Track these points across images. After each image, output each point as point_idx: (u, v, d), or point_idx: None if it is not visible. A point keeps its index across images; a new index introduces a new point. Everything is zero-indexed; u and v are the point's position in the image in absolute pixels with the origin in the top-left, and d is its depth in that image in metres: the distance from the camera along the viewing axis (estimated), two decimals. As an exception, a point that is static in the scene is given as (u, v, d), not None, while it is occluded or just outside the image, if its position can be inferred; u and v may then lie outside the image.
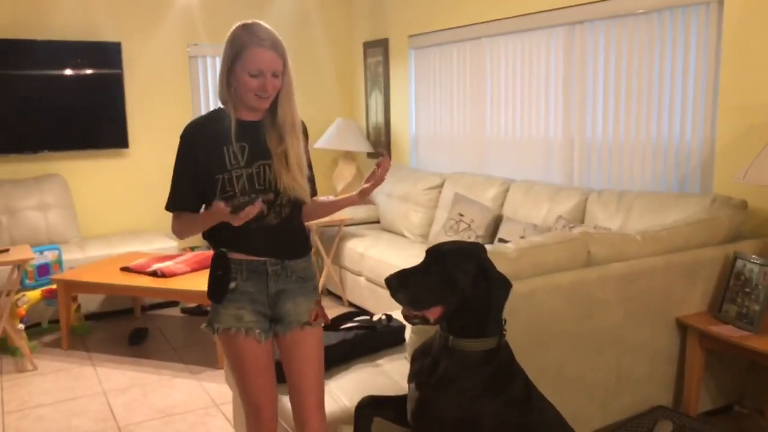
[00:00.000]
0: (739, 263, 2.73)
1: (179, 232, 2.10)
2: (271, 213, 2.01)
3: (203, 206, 2.04)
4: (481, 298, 1.87)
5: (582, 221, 3.74)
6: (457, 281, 1.86)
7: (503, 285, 1.92)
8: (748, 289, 2.66)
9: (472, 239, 4.27)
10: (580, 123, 4.06)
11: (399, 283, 1.89)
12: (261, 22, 1.97)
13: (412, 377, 2.03)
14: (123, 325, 4.64)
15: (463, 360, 1.89)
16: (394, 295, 1.90)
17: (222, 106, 2.04)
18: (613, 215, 3.53)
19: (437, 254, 1.92)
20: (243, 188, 1.98)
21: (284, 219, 2.03)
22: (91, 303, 4.72)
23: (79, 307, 4.53)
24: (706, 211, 3.05)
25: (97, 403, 3.45)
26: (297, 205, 2.07)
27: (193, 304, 4.84)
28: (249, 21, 1.97)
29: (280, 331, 2.07)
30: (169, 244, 5.07)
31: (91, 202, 5.41)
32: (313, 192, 2.15)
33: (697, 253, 2.80)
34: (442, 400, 1.87)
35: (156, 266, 4.16)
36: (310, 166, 2.11)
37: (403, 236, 5.09)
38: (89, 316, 4.69)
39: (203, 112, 5.78)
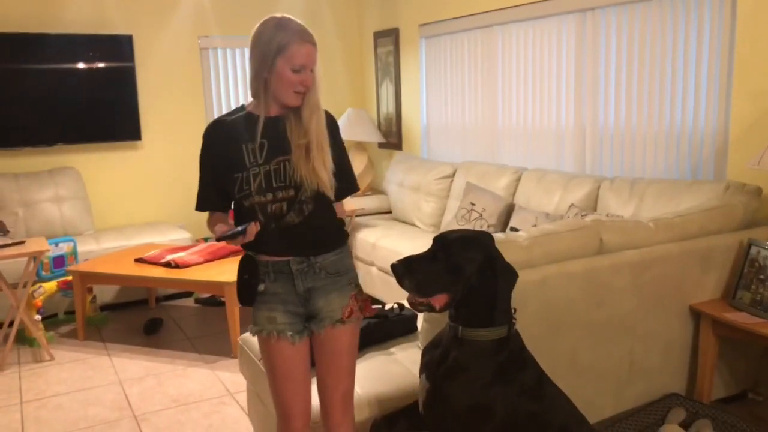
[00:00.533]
0: (754, 250, 2.71)
1: (212, 231, 2.11)
2: (291, 212, 1.96)
3: (231, 198, 2.03)
4: (487, 287, 1.87)
5: (594, 209, 3.72)
6: (463, 269, 1.86)
7: (509, 275, 1.92)
8: (762, 276, 2.64)
9: (484, 228, 4.26)
10: (593, 111, 4.03)
11: (405, 270, 1.88)
12: (292, 17, 1.96)
13: (422, 369, 2.04)
14: (138, 315, 4.69)
15: (473, 349, 1.90)
16: (399, 281, 1.90)
17: (243, 104, 2.04)
18: (626, 203, 3.51)
19: (444, 242, 1.92)
20: (259, 186, 1.95)
21: (307, 216, 1.97)
22: (106, 294, 4.77)
23: (94, 298, 4.58)
24: (719, 198, 3.03)
25: (113, 392, 3.50)
26: (323, 201, 1.99)
27: (206, 295, 4.87)
28: (280, 15, 1.95)
29: (314, 328, 2.03)
30: (183, 235, 5.10)
31: (105, 194, 5.45)
32: (349, 189, 2.09)
33: (710, 240, 2.78)
34: (453, 388, 1.88)
35: (169, 257, 4.20)
36: (342, 162, 2.05)
37: (415, 226, 5.09)
38: (104, 307, 4.74)
39: (215, 103, 5.81)
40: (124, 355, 4.01)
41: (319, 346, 2.06)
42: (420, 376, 2.05)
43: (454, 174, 4.94)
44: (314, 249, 2.00)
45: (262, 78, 1.94)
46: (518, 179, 4.37)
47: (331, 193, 1.98)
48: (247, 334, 2.53)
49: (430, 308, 1.91)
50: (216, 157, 2.00)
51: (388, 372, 2.42)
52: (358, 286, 2.08)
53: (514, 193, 4.35)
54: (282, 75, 1.91)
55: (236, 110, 2.05)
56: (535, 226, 3.84)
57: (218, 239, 1.92)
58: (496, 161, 4.83)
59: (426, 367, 2.01)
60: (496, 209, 4.25)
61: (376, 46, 6.14)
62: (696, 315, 2.79)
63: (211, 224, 2.10)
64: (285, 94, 1.94)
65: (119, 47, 5.33)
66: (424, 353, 2.10)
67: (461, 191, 4.67)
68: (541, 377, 1.96)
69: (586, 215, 3.58)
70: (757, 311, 2.62)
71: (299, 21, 1.96)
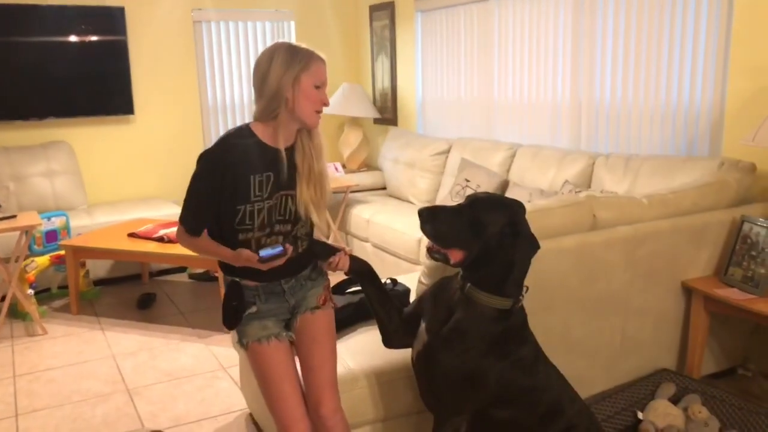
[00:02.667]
0: (746, 226, 2.71)
1: (190, 249, 2.06)
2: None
3: (221, 226, 2.00)
4: (505, 253, 1.88)
5: (589, 186, 3.72)
6: (485, 228, 1.87)
7: (531, 243, 1.92)
8: (754, 253, 2.64)
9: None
10: (589, 86, 4.00)
11: (429, 215, 1.92)
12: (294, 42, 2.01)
13: (424, 318, 2.05)
14: (131, 290, 4.68)
15: (475, 314, 1.91)
16: (422, 226, 1.92)
17: (248, 125, 1.98)
18: (621, 179, 3.50)
19: (474, 199, 1.94)
20: (262, 222, 1.96)
21: (301, 252, 2.05)
22: (99, 269, 4.75)
23: (87, 272, 4.57)
24: (714, 174, 3.02)
25: (106, 366, 3.50)
26: (312, 234, 2.11)
27: (200, 270, 4.87)
28: (289, 42, 2.00)
29: (292, 321, 2.09)
30: (176, 210, 5.08)
31: (98, 169, 5.41)
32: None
33: (704, 216, 2.78)
34: (449, 353, 1.90)
35: (163, 232, 4.18)
36: None
37: (410, 202, 5.08)
38: (98, 282, 4.73)
39: (208, 77, 5.75)
40: (117, 329, 4.01)
41: (299, 334, 2.10)
42: (421, 322, 2.05)
43: (449, 150, 4.92)
44: (302, 268, 2.08)
45: (282, 98, 1.92)
46: (513, 155, 4.35)
47: (326, 227, 2.05)
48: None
49: (445, 259, 1.93)
50: (221, 186, 1.92)
51: (379, 346, 2.40)
52: (327, 278, 2.18)
53: (508, 170, 4.33)
54: (307, 91, 1.93)
55: (242, 133, 1.97)
56: (529, 202, 3.84)
57: (262, 261, 1.88)
58: (491, 136, 4.81)
59: (428, 321, 2.02)
60: (490, 185, 4.24)
61: (371, 20, 6.07)
62: (688, 291, 2.80)
63: (192, 245, 2.02)
64: (308, 112, 1.95)
65: (111, 19, 5.25)
66: (429, 293, 2.11)
67: (456, 167, 4.66)
68: (538, 355, 1.97)
69: (580, 191, 3.58)
70: (748, 287, 2.63)
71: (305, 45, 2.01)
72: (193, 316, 4.19)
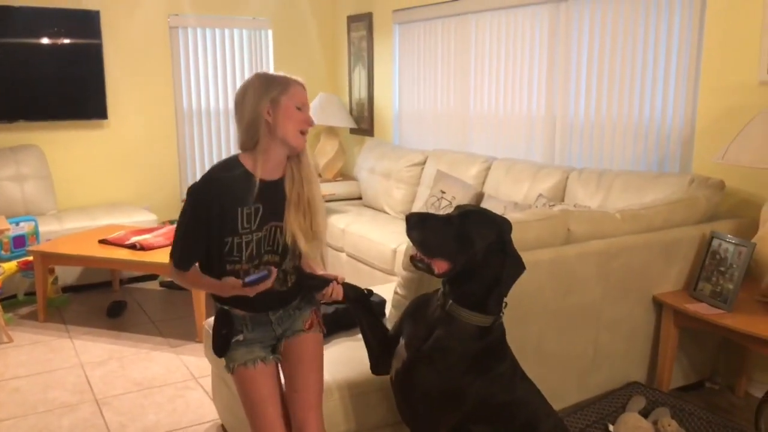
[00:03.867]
0: (715, 242, 2.77)
1: (181, 283, 2.10)
2: (276, 280, 1.97)
3: (209, 257, 2.01)
4: (491, 270, 1.87)
5: (562, 199, 3.76)
6: (473, 242, 1.85)
7: (518, 264, 1.92)
8: (723, 268, 2.70)
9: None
10: (563, 101, 4.07)
11: (417, 222, 1.88)
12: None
13: (404, 335, 2.04)
14: (101, 297, 4.60)
15: (456, 331, 1.90)
16: (408, 231, 1.89)
17: (236, 156, 1.99)
18: (594, 194, 3.55)
19: (464, 211, 1.93)
20: (250, 255, 1.97)
21: (290, 286, 2.05)
22: (68, 275, 4.67)
23: (56, 279, 4.48)
24: (684, 190, 3.08)
25: (74, 375, 3.43)
26: (301, 268, 2.11)
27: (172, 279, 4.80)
28: (267, 71, 2.06)
29: (278, 345, 2.11)
30: (148, 216, 5.02)
31: (69, 174, 5.32)
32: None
33: (675, 232, 2.84)
34: (429, 370, 1.89)
35: (134, 239, 4.12)
36: None
37: (385, 213, 5.09)
38: (67, 289, 4.65)
39: (183, 84, 5.70)
40: (86, 337, 3.94)
41: (285, 358, 2.11)
42: (400, 339, 2.04)
43: (425, 162, 4.94)
44: (291, 300, 2.10)
45: (261, 122, 1.93)
46: (488, 168, 4.39)
47: (317, 257, 2.11)
48: (212, 319, 2.50)
49: (429, 269, 1.90)
50: (208, 219, 1.92)
51: (356, 358, 2.41)
52: (318, 302, 2.18)
53: (483, 182, 4.37)
54: (288, 111, 1.94)
55: (231, 165, 1.98)
56: (503, 215, 3.88)
57: (246, 285, 1.88)
58: (466, 149, 4.85)
59: (408, 337, 2.01)
60: (465, 197, 4.27)
61: (349, 31, 6.09)
62: (658, 305, 2.85)
63: (182, 280, 2.04)
64: (292, 132, 1.95)
65: (86, 23, 5.19)
66: (409, 311, 2.11)
67: (431, 179, 4.68)
68: (516, 371, 1.98)
69: (553, 205, 3.62)
70: (717, 302, 2.68)
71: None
72: (164, 325, 4.13)
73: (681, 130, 3.40)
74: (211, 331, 2.21)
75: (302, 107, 1.97)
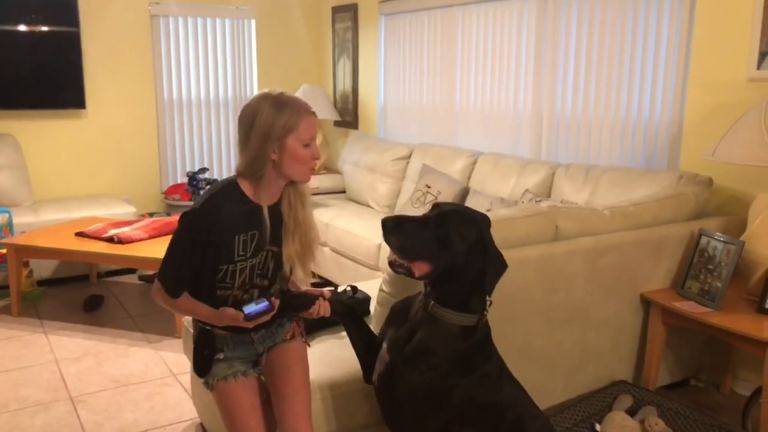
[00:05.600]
0: (704, 240, 2.74)
1: (170, 309, 2.01)
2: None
3: (199, 281, 1.94)
4: (472, 269, 1.82)
5: (549, 195, 3.72)
6: (453, 243, 1.79)
7: (500, 262, 1.86)
8: (711, 266, 2.67)
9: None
10: (550, 97, 4.02)
11: (394, 226, 1.81)
12: (284, 91, 1.89)
13: (386, 340, 1.98)
14: (78, 291, 4.49)
15: (439, 332, 1.85)
16: (386, 236, 1.82)
17: (235, 180, 1.90)
18: (580, 190, 3.51)
19: (441, 211, 1.86)
20: (243, 281, 1.92)
21: (277, 309, 1.97)
22: (44, 269, 4.55)
23: (31, 272, 4.37)
24: (673, 187, 3.06)
25: (48, 371, 3.34)
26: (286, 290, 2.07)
27: (151, 272, 4.70)
28: (269, 90, 1.88)
29: (261, 359, 2.06)
30: (127, 209, 4.91)
31: (46, 164, 5.20)
32: None
33: (663, 229, 2.80)
34: (413, 371, 1.83)
35: (112, 232, 4.02)
36: None
37: (369, 207, 5.02)
38: (42, 282, 4.53)
39: (164, 74, 5.58)
40: (61, 332, 3.84)
41: (268, 369, 2.06)
42: (382, 344, 1.99)
43: (410, 155, 4.88)
44: (275, 321, 2.04)
45: (267, 160, 1.85)
46: (474, 163, 4.34)
47: (308, 282, 2.07)
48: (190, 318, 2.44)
49: (409, 273, 1.84)
50: (205, 246, 1.85)
51: (340, 357, 2.35)
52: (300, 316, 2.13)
53: (469, 177, 4.32)
54: (295, 153, 1.86)
55: (231, 192, 1.89)
56: (489, 210, 3.83)
57: (248, 320, 1.82)
58: (452, 143, 4.79)
59: (390, 341, 1.95)
60: (451, 192, 4.22)
61: (334, 22, 6.00)
62: (646, 303, 2.82)
63: (172, 306, 1.95)
64: (300, 171, 1.89)
65: (63, 9, 5.06)
66: (391, 316, 2.05)
67: (417, 173, 4.63)
68: (502, 371, 1.93)
69: (540, 201, 3.58)
70: (704, 300, 2.65)
71: (292, 94, 1.91)
72: (142, 320, 4.04)
73: (669, 126, 3.38)
74: (192, 356, 2.14)
75: (310, 142, 1.88)
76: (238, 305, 1.87)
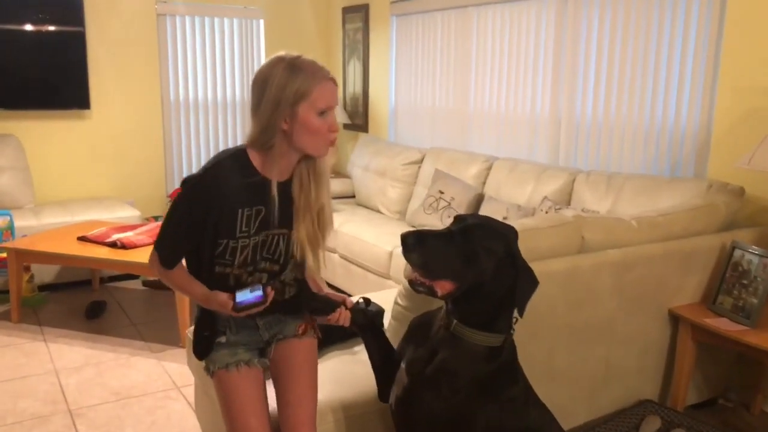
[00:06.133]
0: (737, 253, 2.59)
1: (164, 281, 1.86)
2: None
3: (199, 255, 1.79)
4: (499, 286, 1.67)
5: (569, 203, 3.58)
6: (479, 259, 1.64)
7: (531, 279, 1.71)
8: (745, 281, 2.53)
9: (452, 218, 4.08)
10: (569, 100, 3.88)
11: (416, 242, 1.65)
12: (301, 54, 1.71)
13: (404, 360, 1.84)
14: (79, 297, 4.37)
15: (463, 353, 1.70)
16: (406, 254, 1.66)
17: (244, 149, 1.74)
18: (602, 198, 3.37)
19: (466, 224, 1.70)
20: (244, 260, 1.76)
21: (287, 298, 1.84)
22: (46, 273, 4.43)
23: (32, 277, 4.25)
24: (701, 196, 2.91)
25: (47, 383, 3.21)
26: (302, 281, 1.91)
27: (155, 277, 4.58)
28: (285, 53, 1.70)
29: (268, 349, 1.91)
30: (131, 212, 4.79)
31: (49, 166, 5.08)
32: None
33: (694, 241, 2.66)
34: (434, 396, 1.70)
35: (116, 237, 3.90)
36: None
37: (379, 212, 4.89)
38: (43, 287, 4.41)
39: (171, 74, 5.46)
40: (61, 340, 3.71)
41: (276, 365, 1.91)
42: (400, 364, 1.85)
43: (422, 160, 4.75)
44: (283, 311, 1.90)
45: (277, 129, 1.68)
46: (489, 168, 4.20)
47: (320, 267, 1.87)
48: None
49: (431, 292, 1.69)
50: (205, 217, 1.70)
51: (352, 374, 2.22)
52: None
53: (484, 183, 4.18)
54: (307, 123, 1.67)
55: (238, 161, 1.73)
56: (506, 218, 3.69)
57: (237, 310, 1.68)
58: (465, 147, 4.66)
59: (409, 362, 1.82)
60: (465, 198, 4.08)
61: (344, 22, 5.87)
62: (674, 318, 2.67)
63: (166, 277, 1.82)
64: (314, 144, 1.70)
65: (68, 8, 4.94)
66: (410, 333, 1.91)
67: (429, 178, 4.49)
68: (529, 395, 1.79)
69: (560, 209, 3.44)
70: (739, 318, 2.51)
71: (310, 58, 1.72)
72: (145, 328, 3.91)
73: (696, 132, 3.23)
74: (192, 336, 2.00)
75: (327, 111, 1.69)
76: (241, 286, 1.74)
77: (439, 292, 1.68)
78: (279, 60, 1.69)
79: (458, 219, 1.76)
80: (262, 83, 1.68)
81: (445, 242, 1.67)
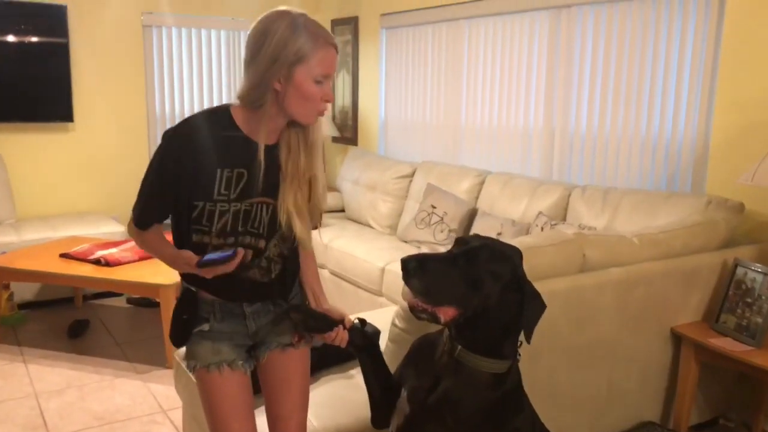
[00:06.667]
0: (740, 271, 2.54)
1: (140, 245, 1.73)
2: (255, 267, 1.66)
3: (178, 219, 1.66)
4: (505, 311, 1.59)
5: (564, 219, 3.52)
6: (485, 284, 1.56)
7: (538, 303, 1.63)
8: (749, 300, 2.47)
9: (445, 233, 4.02)
10: (563, 114, 3.83)
11: (417, 267, 1.55)
12: (305, 12, 1.57)
13: (405, 387, 1.75)
14: (61, 315, 4.24)
15: (467, 381, 1.62)
16: (407, 279, 1.56)
17: (228, 105, 1.63)
18: (599, 214, 3.31)
19: (469, 247, 1.61)
20: (223, 229, 1.61)
21: (274, 277, 1.70)
22: (26, 291, 4.30)
23: (11, 295, 4.11)
24: (700, 213, 2.86)
25: (26, 407, 3.08)
26: (292, 258, 1.74)
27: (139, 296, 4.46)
28: (288, 8, 1.56)
29: (260, 354, 1.76)
30: (116, 228, 4.67)
31: (30, 180, 4.95)
32: (315, 225, 1.77)
33: (695, 258, 2.61)
34: (437, 427, 1.61)
35: (99, 253, 3.78)
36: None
37: (370, 227, 4.81)
38: (23, 305, 4.27)
39: (156, 87, 5.36)
40: (42, 362, 3.58)
41: (267, 374, 1.79)
42: (401, 391, 1.76)
43: (413, 174, 4.68)
44: (273, 297, 1.75)
45: (270, 88, 1.55)
46: (482, 183, 4.14)
47: (310, 246, 1.72)
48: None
49: (434, 318, 1.60)
50: (179, 172, 1.58)
51: (348, 399, 2.13)
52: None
53: (477, 197, 4.12)
54: (302, 88, 1.54)
55: (219, 116, 1.62)
56: (500, 234, 3.63)
57: (201, 266, 1.55)
58: (457, 161, 4.60)
59: (411, 391, 1.73)
60: (458, 213, 4.02)
61: (333, 35, 5.80)
62: (676, 338, 2.61)
63: (142, 242, 1.69)
64: (304, 110, 1.58)
65: (52, 19, 4.83)
66: (410, 357, 1.81)
67: (420, 192, 4.42)
68: (534, 422, 1.71)
69: (556, 224, 3.38)
70: (743, 337, 2.45)
71: (315, 19, 1.59)
72: (130, 348, 3.79)
73: (693, 147, 3.19)
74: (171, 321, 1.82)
75: (324, 79, 1.56)
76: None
77: (442, 319, 1.60)
78: (282, 14, 1.56)
79: (460, 241, 1.67)
80: (260, 36, 1.55)
81: (448, 267, 1.58)
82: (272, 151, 1.62)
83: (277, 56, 1.52)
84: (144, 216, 1.65)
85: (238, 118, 1.61)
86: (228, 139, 1.59)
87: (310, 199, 1.67)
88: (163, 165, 1.59)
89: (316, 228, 1.76)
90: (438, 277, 1.57)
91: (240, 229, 1.63)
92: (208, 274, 1.57)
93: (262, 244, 1.66)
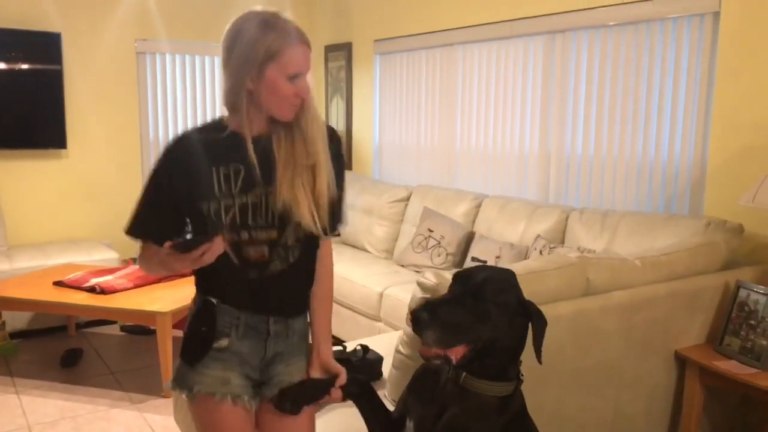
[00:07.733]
0: (743, 293, 2.54)
1: (143, 267, 1.71)
2: (275, 258, 1.62)
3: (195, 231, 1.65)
4: (513, 337, 1.59)
5: (562, 242, 3.52)
6: (493, 316, 1.55)
7: (542, 320, 1.63)
8: (753, 322, 2.47)
9: (443, 257, 4.01)
10: (559, 137, 3.86)
11: (429, 317, 1.53)
12: (278, 11, 1.58)
13: (411, 417, 1.72)
14: (54, 344, 4.17)
15: (474, 407, 1.60)
16: (420, 331, 1.53)
17: (219, 118, 1.64)
18: (597, 236, 3.32)
19: (474, 282, 1.59)
20: (233, 223, 1.58)
21: (293, 264, 1.63)
22: (18, 319, 4.23)
23: (3, 324, 4.05)
24: (700, 234, 2.87)
25: (20, 440, 3.02)
26: (309, 245, 1.67)
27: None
28: (261, 9, 1.57)
29: (266, 393, 1.69)
30: (110, 255, 4.62)
31: (23, 207, 4.90)
32: (339, 222, 1.73)
33: (697, 280, 2.60)
34: None
35: (94, 281, 3.73)
36: (342, 188, 1.72)
37: (366, 251, 4.79)
38: (15, 335, 4.19)
39: (150, 113, 5.36)
40: (35, 392, 3.51)
41: (270, 419, 1.70)
42: (404, 419, 1.73)
43: (409, 198, 4.68)
44: (294, 308, 1.71)
45: (244, 88, 1.55)
46: (478, 206, 4.14)
47: (320, 230, 1.61)
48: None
49: (447, 360, 1.58)
50: (173, 180, 1.58)
51: (351, 429, 2.09)
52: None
53: (473, 221, 4.12)
54: (274, 85, 1.54)
55: (212, 125, 1.65)
56: (499, 257, 3.62)
57: (177, 248, 1.48)
58: (452, 185, 4.61)
59: (416, 418, 1.70)
60: (455, 237, 4.01)
61: (326, 61, 5.85)
62: (680, 361, 2.60)
63: (142, 258, 1.67)
64: (278, 107, 1.58)
65: (46, 46, 4.83)
66: (414, 385, 1.78)
67: (416, 216, 4.42)
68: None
69: (555, 248, 3.38)
70: (748, 360, 2.44)
71: (288, 17, 1.58)
72: (125, 377, 3.72)
73: (690, 168, 3.21)
74: (185, 335, 1.74)
75: (297, 76, 1.55)
76: (242, 257, 1.60)
77: (455, 360, 1.58)
78: (253, 14, 1.56)
79: (460, 277, 1.64)
80: (233, 36, 1.56)
81: (457, 308, 1.56)
82: (265, 142, 1.61)
83: (248, 56, 1.53)
84: (136, 223, 1.64)
85: (226, 120, 1.64)
86: (218, 139, 1.61)
87: (315, 186, 1.62)
88: (159, 173, 1.62)
89: (336, 229, 1.72)
90: (450, 323, 1.55)
91: (251, 222, 1.60)
92: (195, 265, 1.50)
93: (274, 235, 1.61)
